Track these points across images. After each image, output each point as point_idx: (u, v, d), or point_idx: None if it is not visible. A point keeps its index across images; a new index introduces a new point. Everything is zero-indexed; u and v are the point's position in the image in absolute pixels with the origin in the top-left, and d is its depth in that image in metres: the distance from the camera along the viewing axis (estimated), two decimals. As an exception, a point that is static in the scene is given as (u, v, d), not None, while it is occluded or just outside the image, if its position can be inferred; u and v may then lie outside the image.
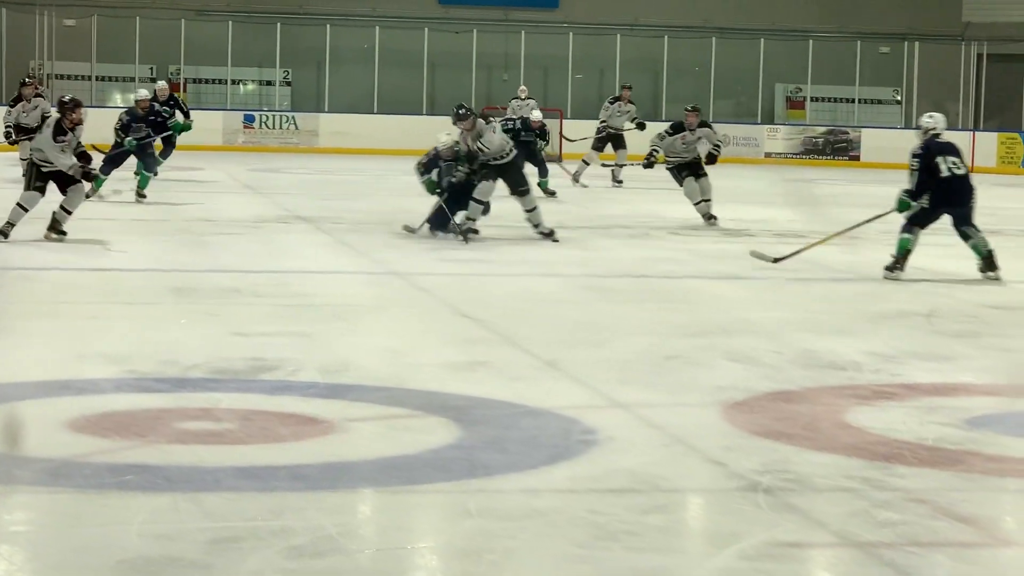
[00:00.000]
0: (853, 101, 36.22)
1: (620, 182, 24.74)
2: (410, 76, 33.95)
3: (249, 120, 33.30)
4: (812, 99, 36.68)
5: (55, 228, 14.14)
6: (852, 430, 7.41)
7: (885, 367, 8.94)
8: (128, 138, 18.90)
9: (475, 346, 9.62)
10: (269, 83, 35.41)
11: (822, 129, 35.15)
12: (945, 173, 12.79)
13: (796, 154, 34.87)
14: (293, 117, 33.39)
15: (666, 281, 13.10)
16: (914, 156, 13.04)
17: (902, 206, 13.06)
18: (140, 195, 18.92)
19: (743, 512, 6.06)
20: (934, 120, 13.41)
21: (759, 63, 35.70)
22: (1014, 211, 21.25)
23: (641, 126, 24.97)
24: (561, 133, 28.99)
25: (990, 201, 22.06)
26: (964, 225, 13.20)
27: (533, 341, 9.77)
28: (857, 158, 34.80)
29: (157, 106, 20.35)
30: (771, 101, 36.81)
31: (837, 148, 34.58)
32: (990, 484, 6.49)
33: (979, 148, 33.18)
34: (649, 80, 34.99)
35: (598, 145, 25.59)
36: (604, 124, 25.41)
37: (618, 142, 25.13)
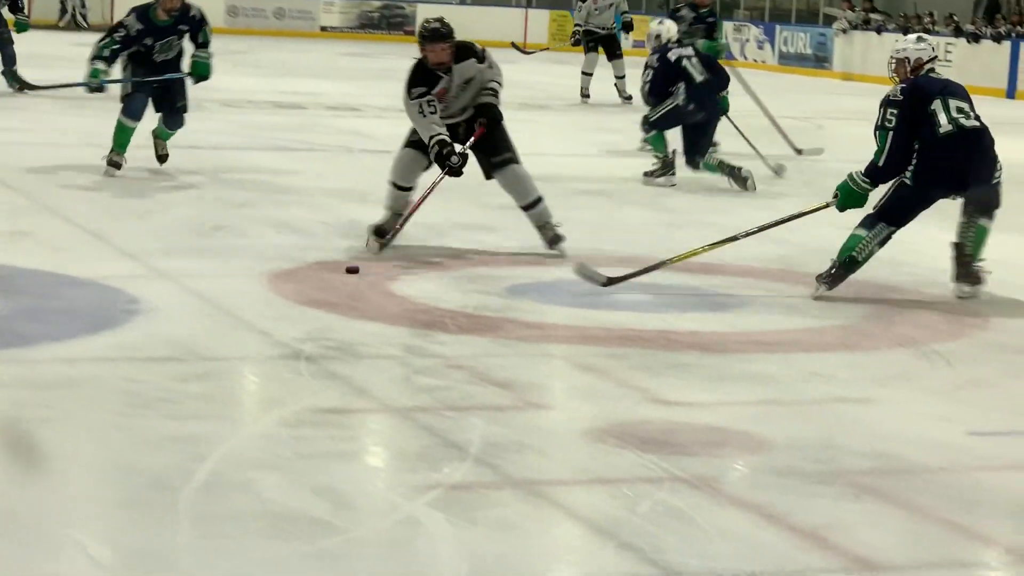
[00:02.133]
0: None
1: (629, 97, 18.72)
2: None
3: None
4: None
5: None
6: (396, 299, 7.58)
7: (429, 237, 9.09)
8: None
9: (17, 216, 9.45)
10: None
11: (378, 3, 35.18)
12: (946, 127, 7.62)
13: (352, 28, 34.89)
14: None
15: (215, 153, 13.02)
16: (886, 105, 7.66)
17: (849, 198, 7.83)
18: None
19: (285, 380, 6.17)
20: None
21: None
22: (562, 86, 21.99)
23: (628, 27, 20.53)
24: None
25: (539, 77, 22.87)
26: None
27: (77, 212, 9.69)
28: (412, 32, 34.50)
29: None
30: None
31: (392, 23, 34.53)
32: (526, 350, 6.72)
33: (531, 25, 34.25)
34: None
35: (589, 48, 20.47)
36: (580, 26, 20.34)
37: (611, 47, 19.81)
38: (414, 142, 8.57)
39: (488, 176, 8.89)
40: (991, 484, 5.07)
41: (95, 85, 10.88)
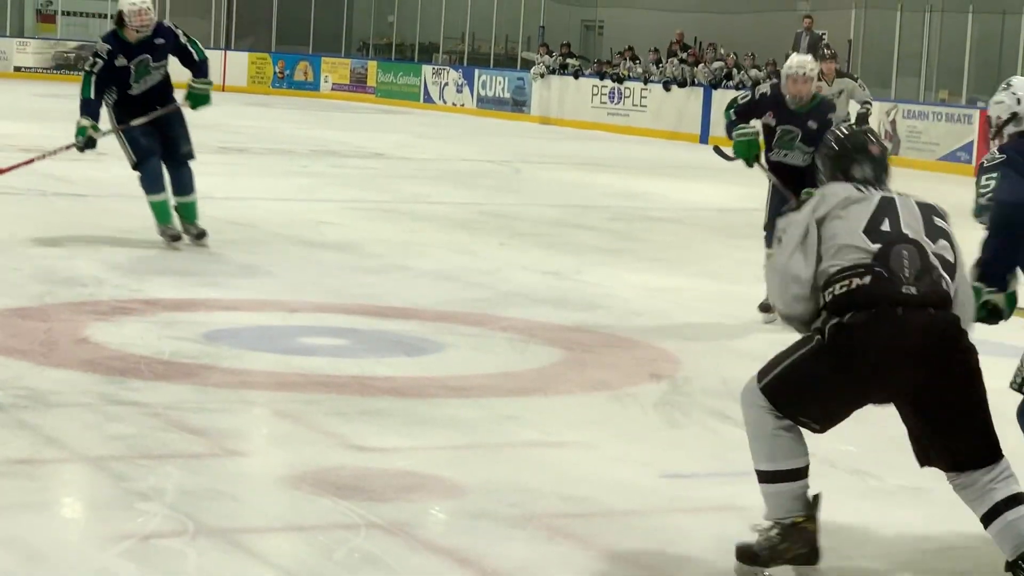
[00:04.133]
0: (106, 16, 34.69)
1: None
2: None
3: None
4: (63, 13, 35.80)
5: None
6: (89, 345, 7.38)
7: (126, 283, 8.87)
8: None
9: None
10: None
11: (74, 44, 34.33)
12: None
13: (46, 68, 34.07)
14: None
15: None
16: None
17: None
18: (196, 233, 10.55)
19: None
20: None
21: None
22: (260, 129, 21.86)
23: None
24: None
25: (238, 120, 22.58)
26: None
27: None
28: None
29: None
30: (21, 14, 35.79)
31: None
32: (222, 396, 6.61)
33: (230, 68, 33.85)
34: None
35: None
36: None
37: None
38: None
39: None
40: (685, 525, 5.12)
41: (81, 144, 9.63)
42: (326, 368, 7.32)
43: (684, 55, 27.87)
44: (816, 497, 4.49)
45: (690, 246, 12.32)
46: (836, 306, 4.40)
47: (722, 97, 22.47)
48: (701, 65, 27.24)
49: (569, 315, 8.73)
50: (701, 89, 26.59)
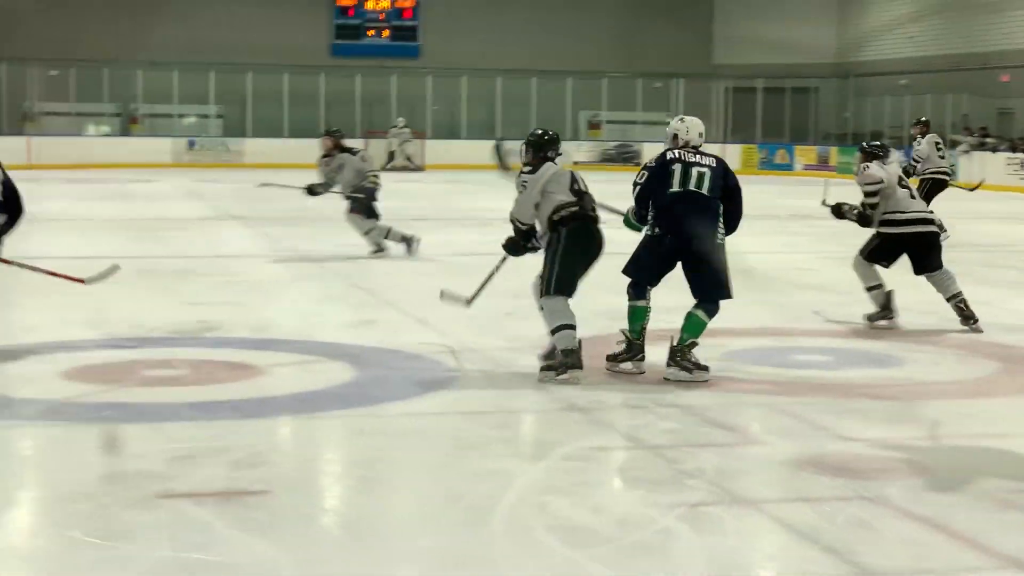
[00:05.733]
0: (636, 123, 35.27)
1: None
2: (310, 109, 32.71)
3: (192, 144, 32.03)
4: (607, 122, 35.88)
5: None
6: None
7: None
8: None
9: (364, 308, 9.39)
10: (206, 116, 34.03)
11: (614, 144, 34.47)
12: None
13: (595, 162, 34.40)
14: (224, 141, 32.16)
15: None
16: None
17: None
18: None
19: (563, 425, 6.05)
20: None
21: (567, 96, 35.12)
22: (751, 200, 21.28)
23: None
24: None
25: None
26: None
27: (407, 304, 9.47)
28: (639, 163, 34.19)
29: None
30: (576, 123, 36.05)
31: (625, 157, 33.72)
32: (738, 399, 6.41)
33: (728, 156, 33.73)
34: (487, 111, 34.36)
35: None
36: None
37: None
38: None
39: None
40: None
41: None
42: (816, 377, 7.11)
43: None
44: (579, 340, 6.36)
45: None
46: (561, 221, 6.49)
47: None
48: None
49: (999, 336, 8.24)
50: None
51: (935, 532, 4.34)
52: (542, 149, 6.81)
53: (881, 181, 8.27)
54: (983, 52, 29.28)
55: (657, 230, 6.64)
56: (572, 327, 6.58)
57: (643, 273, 6.67)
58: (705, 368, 6.61)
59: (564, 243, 6.64)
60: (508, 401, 6.41)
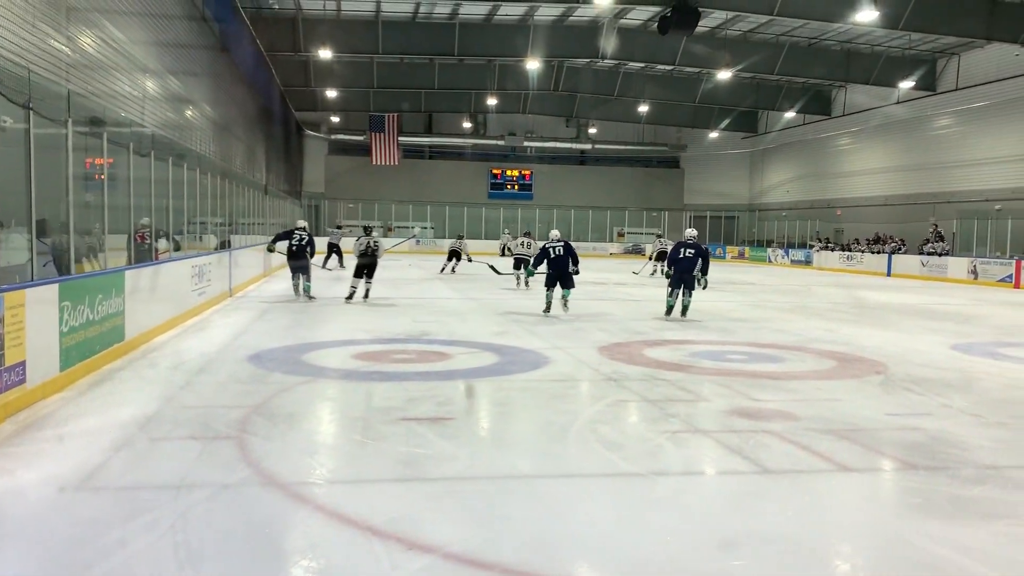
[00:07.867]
0: (641, 234, 43.93)
1: None
2: (476, 225, 43.68)
3: (416, 241, 40.44)
4: (628, 232, 44.51)
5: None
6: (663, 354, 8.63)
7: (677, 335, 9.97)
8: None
9: (504, 326, 11.41)
10: (425, 227, 43.29)
11: (631, 244, 42.46)
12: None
13: (620, 253, 39.51)
14: (433, 240, 41.24)
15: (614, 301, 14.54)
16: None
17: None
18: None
19: (604, 388, 7.30)
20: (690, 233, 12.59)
21: (607, 219, 44.74)
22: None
23: None
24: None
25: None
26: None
27: (527, 322, 11.38)
28: (643, 253, 40.53)
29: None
30: (611, 233, 44.27)
31: (636, 251, 41.00)
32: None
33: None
34: (565, 226, 43.42)
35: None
36: None
37: None
38: None
39: None
40: None
41: None
42: (738, 367, 8.37)
43: None
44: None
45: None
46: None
47: None
48: None
49: (838, 348, 9.69)
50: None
51: (800, 449, 5.54)
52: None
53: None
54: (829, 198, 36.12)
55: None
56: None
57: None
58: None
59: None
60: (575, 374, 7.80)
